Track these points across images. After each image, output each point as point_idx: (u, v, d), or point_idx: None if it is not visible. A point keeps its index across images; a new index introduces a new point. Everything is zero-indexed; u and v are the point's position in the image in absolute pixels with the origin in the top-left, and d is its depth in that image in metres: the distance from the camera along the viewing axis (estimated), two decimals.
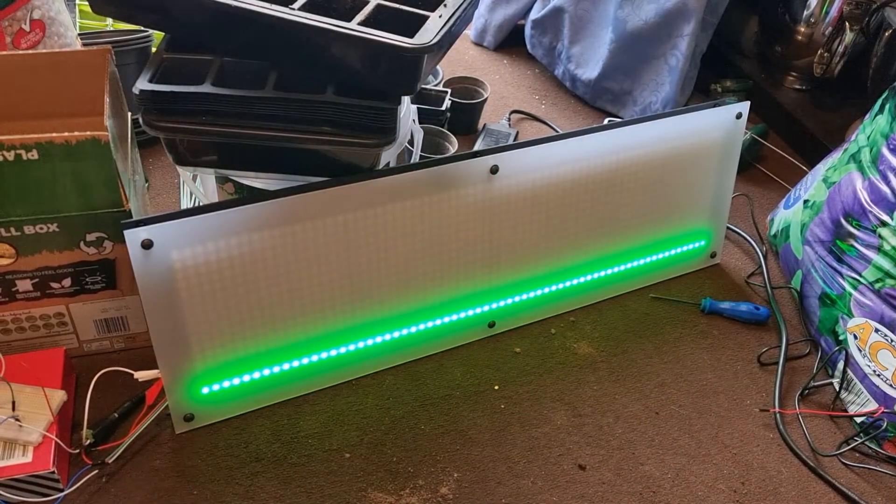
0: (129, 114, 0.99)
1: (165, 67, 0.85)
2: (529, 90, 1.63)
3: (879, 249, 0.94)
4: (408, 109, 0.97)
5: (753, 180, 1.38)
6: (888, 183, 0.95)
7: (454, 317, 0.99)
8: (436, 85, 1.46)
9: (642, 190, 1.05)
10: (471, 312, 1.00)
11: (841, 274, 1.00)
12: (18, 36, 1.01)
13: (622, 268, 1.10)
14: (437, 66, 1.49)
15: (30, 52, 1.01)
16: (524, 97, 1.60)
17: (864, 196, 0.98)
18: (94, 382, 0.84)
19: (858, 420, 0.95)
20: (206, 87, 0.81)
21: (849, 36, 1.38)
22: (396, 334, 0.96)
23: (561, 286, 1.06)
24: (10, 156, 0.77)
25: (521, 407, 0.95)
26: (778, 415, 0.96)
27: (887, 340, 0.92)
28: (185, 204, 1.14)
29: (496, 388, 0.97)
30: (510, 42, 1.75)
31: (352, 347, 0.94)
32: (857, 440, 0.93)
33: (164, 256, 0.78)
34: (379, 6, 0.86)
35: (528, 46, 1.70)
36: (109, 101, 0.85)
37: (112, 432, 0.86)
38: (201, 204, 0.97)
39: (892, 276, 0.92)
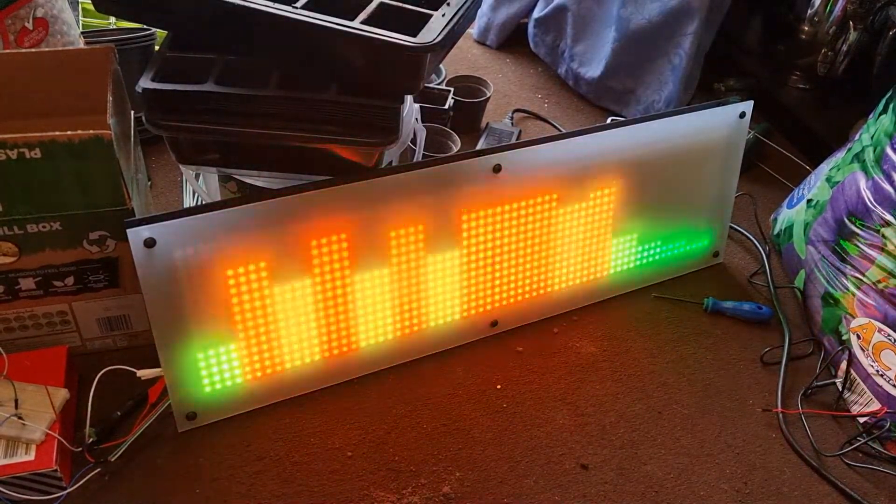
0: (132, 112, 0.99)
1: (168, 66, 0.85)
2: (532, 89, 1.63)
3: (883, 249, 0.94)
4: (411, 108, 0.97)
5: (756, 179, 1.38)
6: (892, 183, 0.95)
7: (456, 315, 0.99)
8: (439, 84, 1.45)
9: (645, 189, 1.05)
10: (473, 311, 1.00)
11: (844, 274, 1.00)
12: (21, 34, 1.01)
13: (625, 267, 1.10)
14: (440, 65, 1.48)
15: (33, 50, 1.01)
16: (527, 96, 1.60)
17: (867, 196, 0.98)
18: (97, 381, 0.84)
19: (861, 420, 0.94)
20: (208, 86, 0.82)
21: (853, 35, 1.37)
22: (398, 332, 0.96)
23: (563, 285, 1.06)
24: (14, 154, 0.77)
25: (524, 406, 0.95)
26: (781, 415, 0.96)
27: (890, 340, 0.91)
28: (188, 202, 1.14)
29: (498, 387, 0.97)
30: (513, 41, 1.75)
31: (354, 346, 0.94)
32: (860, 440, 0.92)
33: (167, 255, 0.78)
34: (382, 5, 0.86)
35: (531, 45, 1.70)
36: (112, 99, 0.85)
37: (115, 431, 0.86)
38: (204, 202, 0.97)
39: (895, 276, 0.92)
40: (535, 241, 0.99)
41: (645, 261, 1.11)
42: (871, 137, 1.02)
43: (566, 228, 1.01)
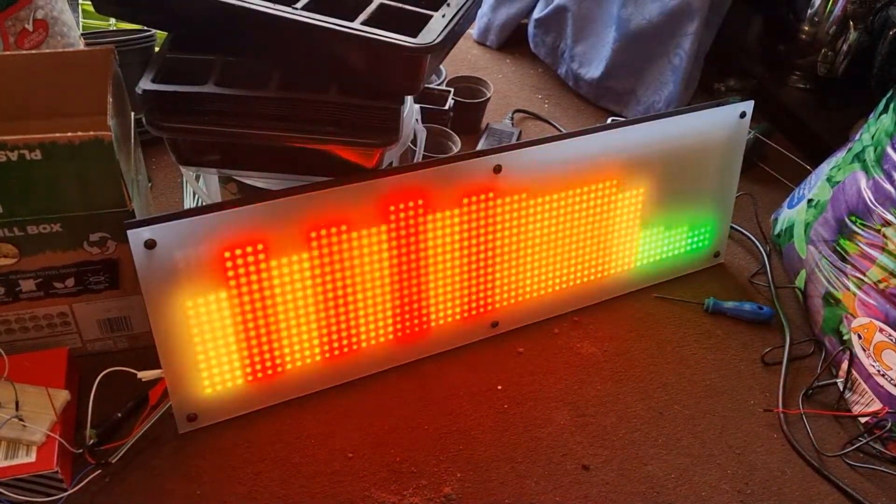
0: (132, 113, 0.99)
1: (168, 67, 0.85)
2: (532, 89, 1.63)
3: (884, 249, 0.94)
4: (411, 109, 0.97)
5: (757, 179, 1.38)
6: (893, 182, 0.95)
7: (457, 316, 0.99)
8: (439, 84, 1.45)
9: (645, 189, 1.04)
10: (474, 312, 1.00)
11: (845, 273, 0.99)
12: (21, 36, 1.01)
13: (625, 267, 1.10)
14: (440, 66, 1.48)
15: (33, 52, 1.01)
16: (527, 96, 1.60)
17: (868, 195, 0.98)
18: (98, 382, 0.84)
19: (863, 420, 0.94)
20: (209, 87, 0.81)
21: (853, 35, 1.37)
22: (399, 333, 0.96)
23: (564, 286, 1.05)
24: (14, 156, 0.77)
25: (525, 407, 0.95)
26: (782, 415, 0.95)
27: (891, 340, 0.91)
28: (188, 203, 1.14)
29: (499, 388, 0.97)
30: (513, 41, 1.75)
31: (354, 347, 0.94)
32: (861, 440, 0.92)
33: (167, 256, 0.78)
34: (382, 6, 0.86)
35: (532, 45, 1.70)
36: (112, 101, 0.85)
37: (115, 432, 0.86)
38: (204, 204, 0.97)
39: None
40: (535, 241, 0.99)
41: (646, 261, 1.11)
42: (872, 137, 1.02)
43: (567, 229, 1.01)
